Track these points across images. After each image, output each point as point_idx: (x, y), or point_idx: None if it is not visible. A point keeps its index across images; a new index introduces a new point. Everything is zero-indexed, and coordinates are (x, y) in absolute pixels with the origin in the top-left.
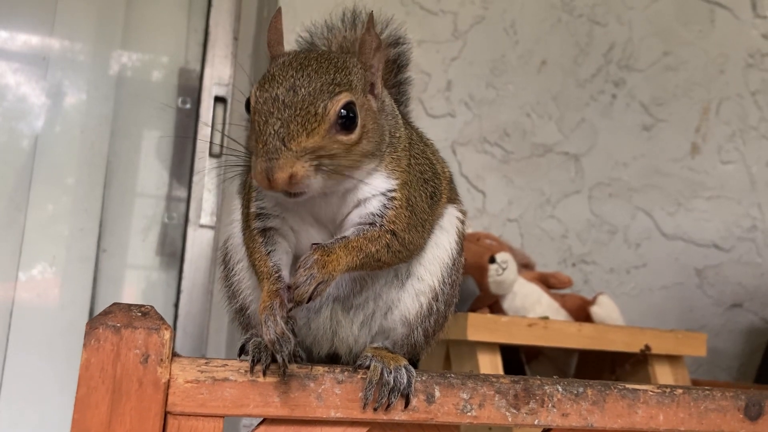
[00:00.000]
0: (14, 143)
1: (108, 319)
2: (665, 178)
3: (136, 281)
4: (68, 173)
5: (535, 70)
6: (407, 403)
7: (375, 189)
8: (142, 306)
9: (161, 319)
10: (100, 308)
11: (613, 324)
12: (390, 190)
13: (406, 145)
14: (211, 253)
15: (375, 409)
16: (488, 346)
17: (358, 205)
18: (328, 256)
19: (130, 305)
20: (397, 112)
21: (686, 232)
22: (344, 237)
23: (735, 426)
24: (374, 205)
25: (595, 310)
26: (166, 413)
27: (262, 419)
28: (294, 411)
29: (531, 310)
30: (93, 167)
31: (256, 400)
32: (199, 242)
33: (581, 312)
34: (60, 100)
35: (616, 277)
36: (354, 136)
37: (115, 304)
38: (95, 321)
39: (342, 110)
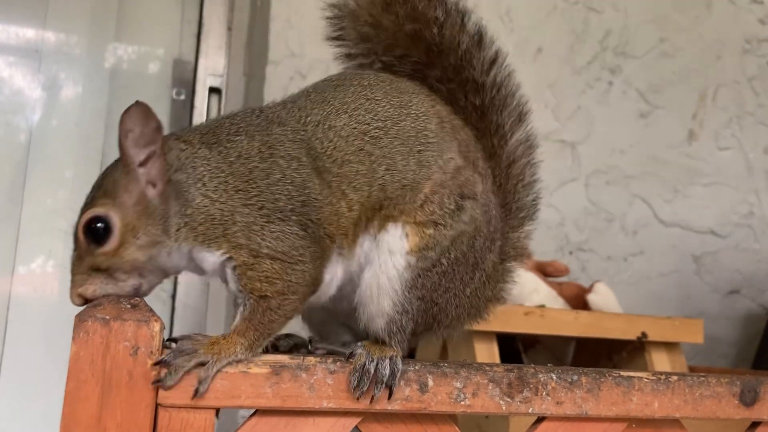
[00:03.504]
0: (9, 138)
1: (97, 312)
2: (662, 166)
3: None
4: (64, 167)
5: (530, 58)
6: (390, 395)
7: (210, 264)
8: (132, 298)
9: (151, 311)
10: None
11: (610, 312)
12: (225, 261)
13: (222, 199)
14: None
15: (358, 398)
16: (485, 334)
17: (224, 280)
18: (224, 339)
19: (119, 297)
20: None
21: (683, 219)
22: (234, 325)
23: (730, 412)
24: (230, 278)
25: (592, 298)
26: (157, 405)
27: (254, 410)
28: (286, 402)
29: (528, 298)
30: (88, 160)
31: (248, 392)
32: None
33: (579, 300)
34: (54, 93)
35: (614, 264)
36: (111, 246)
37: (104, 296)
38: (84, 314)
39: (88, 228)
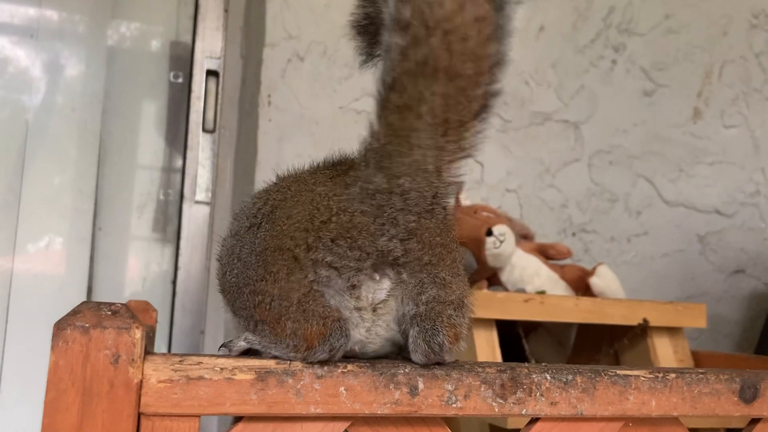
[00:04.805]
0: (7, 123)
1: (76, 320)
2: (666, 145)
3: (133, 259)
4: (62, 152)
5: (533, 37)
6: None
7: None
8: (112, 304)
9: (132, 317)
10: (98, 287)
11: (612, 295)
12: None
13: None
14: (207, 230)
15: None
16: (484, 322)
17: None
18: None
19: (99, 304)
20: None
21: (688, 198)
22: None
23: (729, 409)
24: None
25: (595, 281)
26: (139, 414)
27: (239, 417)
28: (272, 408)
29: (529, 282)
30: (86, 145)
31: (233, 399)
32: (195, 219)
33: (581, 283)
34: (50, 76)
35: (617, 245)
36: None
37: (83, 303)
38: (63, 322)
39: None
